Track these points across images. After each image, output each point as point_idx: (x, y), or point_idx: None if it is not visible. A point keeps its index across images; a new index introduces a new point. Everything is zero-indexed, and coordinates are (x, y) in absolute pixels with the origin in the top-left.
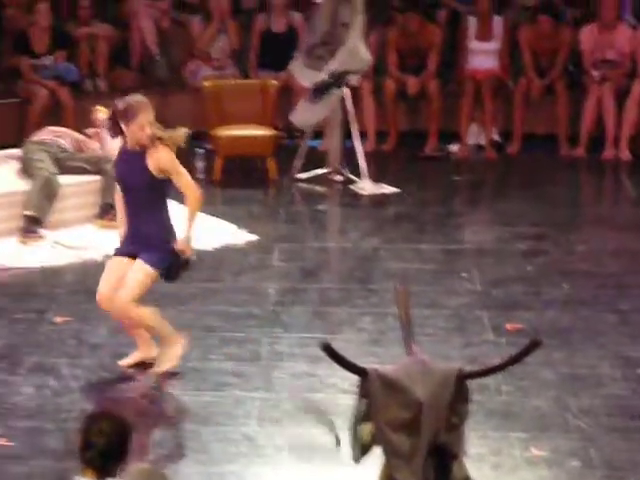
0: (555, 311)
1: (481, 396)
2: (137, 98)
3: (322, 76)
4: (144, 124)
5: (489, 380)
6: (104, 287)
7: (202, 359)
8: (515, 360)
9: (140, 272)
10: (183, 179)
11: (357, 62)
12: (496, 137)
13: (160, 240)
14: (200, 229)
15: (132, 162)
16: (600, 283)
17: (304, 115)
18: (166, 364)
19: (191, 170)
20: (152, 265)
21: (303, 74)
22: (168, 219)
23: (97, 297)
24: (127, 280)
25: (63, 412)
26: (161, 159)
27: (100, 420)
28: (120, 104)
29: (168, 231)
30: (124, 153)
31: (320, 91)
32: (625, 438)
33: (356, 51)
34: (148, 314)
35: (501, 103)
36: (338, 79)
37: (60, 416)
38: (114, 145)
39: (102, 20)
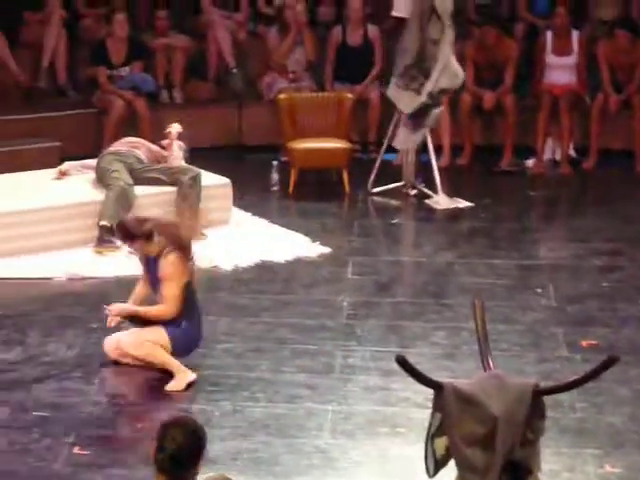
0: (631, 328)
1: (555, 412)
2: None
3: (420, 100)
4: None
5: (563, 396)
6: None
7: (274, 371)
8: (591, 376)
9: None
10: (168, 291)
11: (451, 78)
12: (572, 152)
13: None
14: (274, 241)
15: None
16: None
17: (407, 141)
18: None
19: (266, 182)
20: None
21: (401, 100)
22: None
23: None
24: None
25: (136, 421)
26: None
27: (174, 426)
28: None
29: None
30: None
31: (419, 114)
32: None
33: (449, 67)
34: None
35: (578, 118)
36: (435, 99)
37: (134, 425)
38: (182, 157)
39: (179, 31)
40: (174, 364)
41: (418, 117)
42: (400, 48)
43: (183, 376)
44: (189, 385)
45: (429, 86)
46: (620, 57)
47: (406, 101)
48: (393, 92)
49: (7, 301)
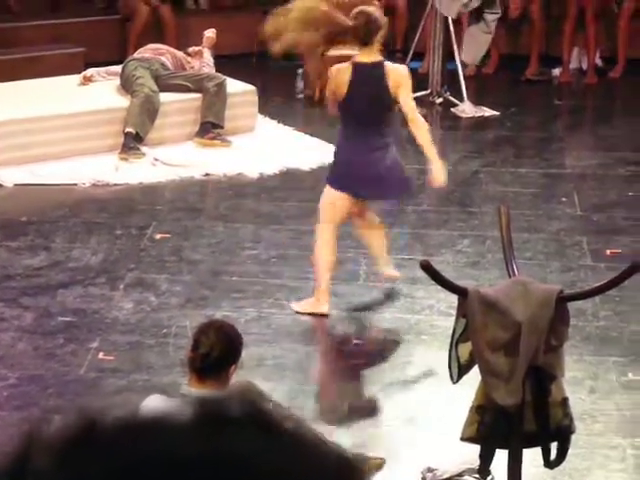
0: None
1: (578, 320)
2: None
3: (472, 4)
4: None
5: (587, 304)
6: None
7: (299, 278)
8: (615, 283)
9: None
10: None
11: None
12: (599, 61)
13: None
14: (299, 149)
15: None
16: None
17: (474, 51)
18: (300, 306)
19: (292, 90)
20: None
21: (448, 7)
22: None
23: None
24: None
25: (162, 327)
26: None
27: (210, 328)
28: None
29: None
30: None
31: (476, 19)
32: None
33: None
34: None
35: (605, 27)
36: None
37: (159, 331)
38: (212, 64)
39: None
40: (322, 284)
41: (475, 25)
42: None
43: (316, 304)
44: (313, 314)
45: None
46: None
47: (451, 6)
48: (441, 2)
49: (32, 207)
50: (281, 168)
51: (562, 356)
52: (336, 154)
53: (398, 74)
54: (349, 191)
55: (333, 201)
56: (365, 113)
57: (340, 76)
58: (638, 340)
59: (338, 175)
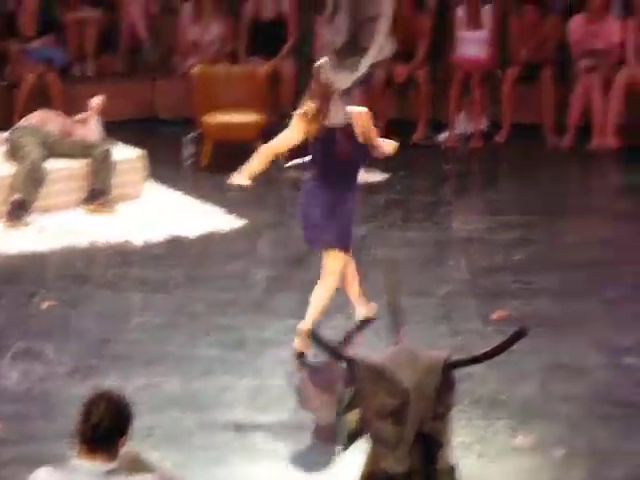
0: (542, 300)
1: (468, 384)
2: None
3: (358, 74)
4: None
5: (476, 368)
6: None
7: (188, 346)
8: (501, 349)
9: None
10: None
11: (387, 52)
12: (484, 126)
13: None
14: (188, 215)
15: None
16: (587, 272)
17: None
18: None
19: (180, 155)
20: None
21: (339, 78)
22: None
23: None
24: None
25: (50, 397)
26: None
27: (99, 399)
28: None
29: None
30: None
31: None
32: (609, 426)
33: (386, 42)
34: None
35: (489, 92)
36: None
37: (47, 401)
38: (100, 131)
39: (91, 4)
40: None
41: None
42: (333, 27)
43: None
44: None
45: (369, 59)
46: (530, 32)
47: (343, 78)
48: (329, 72)
49: None
50: (169, 234)
51: (449, 422)
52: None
53: None
54: None
55: None
56: None
57: None
58: (526, 403)
59: None
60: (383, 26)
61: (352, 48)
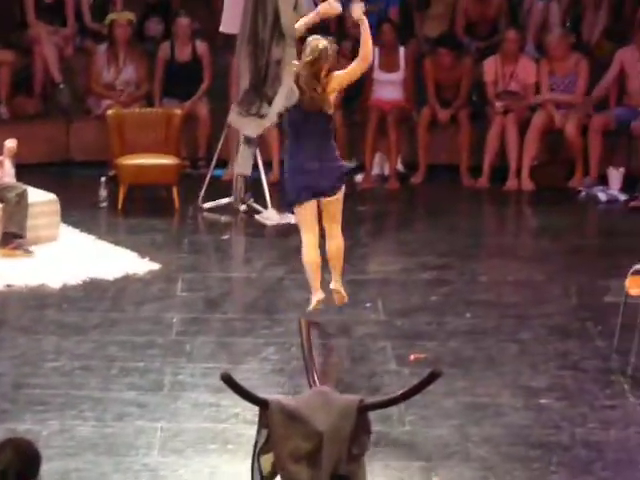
0: (458, 341)
1: (384, 426)
2: None
3: (268, 123)
4: None
5: (392, 410)
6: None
7: (103, 389)
8: (415, 391)
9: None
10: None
11: (289, 97)
12: (400, 167)
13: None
14: (102, 258)
15: None
16: (502, 313)
17: (248, 163)
18: None
19: (95, 198)
20: None
21: (244, 124)
22: None
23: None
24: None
25: None
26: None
27: (6, 446)
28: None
29: None
30: None
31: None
32: (525, 467)
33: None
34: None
35: (405, 133)
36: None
37: None
38: (12, 174)
39: (4, 46)
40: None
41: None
42: (240, 71)
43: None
44: None
45: (278, 106)
46: (445, 74)
47: (252, 126)
48: (235, 119)
49: None
50: (84, 278)
51: (364, 465)
52: None
53: None
54: None
55: None
56: None
57: None
58: (442, 444)
59: None
60: (287, 74)
61: (255, 94)
